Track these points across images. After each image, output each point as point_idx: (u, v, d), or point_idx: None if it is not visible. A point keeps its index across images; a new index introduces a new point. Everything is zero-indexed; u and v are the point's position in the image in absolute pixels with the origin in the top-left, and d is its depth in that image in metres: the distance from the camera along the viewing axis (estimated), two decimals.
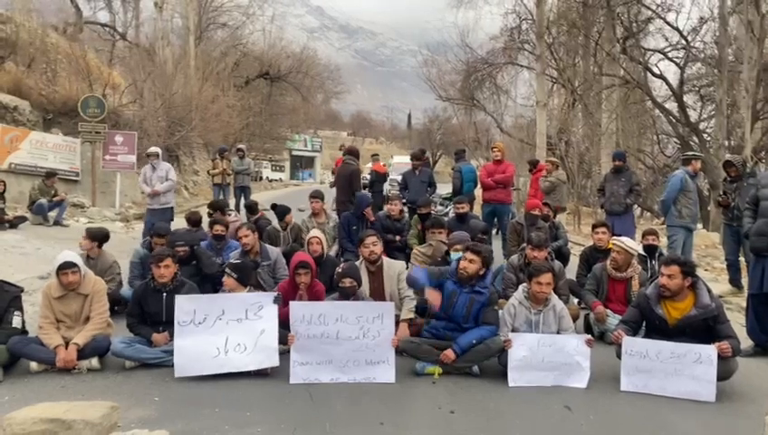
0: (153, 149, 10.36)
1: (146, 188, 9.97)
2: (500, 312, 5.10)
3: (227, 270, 5.19)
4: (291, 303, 4.83)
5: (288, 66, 35.44)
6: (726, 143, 14.51)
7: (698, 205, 8.21)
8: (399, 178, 11.40)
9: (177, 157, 23.20)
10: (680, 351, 4.48)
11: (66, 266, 4.88)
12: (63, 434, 3.18)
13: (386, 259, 5.78)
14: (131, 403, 4.14)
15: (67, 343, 4.75)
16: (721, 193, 8.11)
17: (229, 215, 8.67)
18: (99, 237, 6.50)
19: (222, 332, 4.73)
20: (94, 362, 4.83)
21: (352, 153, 9.80)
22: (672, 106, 18.35)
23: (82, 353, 4.76)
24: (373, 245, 5.66)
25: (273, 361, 4.74)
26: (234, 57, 33.14)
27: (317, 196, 8.30)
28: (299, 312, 4.73)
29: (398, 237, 7.91)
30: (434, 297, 4.94)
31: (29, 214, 12.16)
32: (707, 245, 12.34)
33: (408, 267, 6.13)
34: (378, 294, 5.55)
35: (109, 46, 28.55)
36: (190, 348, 4.66)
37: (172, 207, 10.08)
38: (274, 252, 6.68)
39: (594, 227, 7.50)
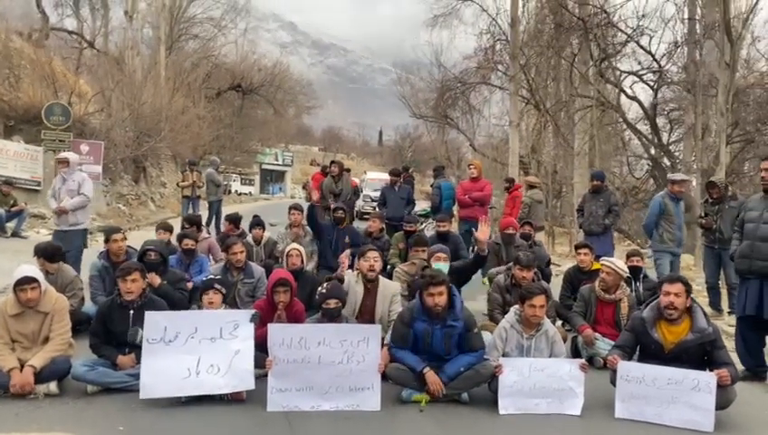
0: (64, 154, 8.20)
1: (52, 204, 7.81)
2: (486, 334, 4.89)
3: (216, 286, 4.89)
4: (269, 325, 4.50)
5: (260, 79, 35.31)
6: (696, 166, 14.70)
7: (682, 228, 8.17)
8: (374, 193, 11.27)
9: (145, 168, 22.60)
10: (678, 377, 4.32)
11: (25, 282, 4.48)
12: None
13: (382, 279, 5.56)
14: (93, 433, 3.80)
15: (22, 366, 4.36)
16: (702, 215, 8.11)
17: (201, 231, 8.36)
18: (47, 254, 5.87)
19: (194, 351, 4.38)
20: (52, 386, 4.43)
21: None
22: (643, 128, 18.60)
23: (39, 377, 4.36)
24: (374, 260, 5.48)
25: (248, 384, 4.41)
26: (205, 68, 32.78)
27: (297, 208, 8.16)
28: (278, 335, 4.42)
29: None
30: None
31: None
32: (682, 266, 12.39)
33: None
34: (368, 311, 5.33)
35: (76, 54, 27.80)
36: (159, 368, 4.29)
37: (85, 229, 7.89)
38: (258, 271, 6.42)
39: (577, 247, 7.43)
